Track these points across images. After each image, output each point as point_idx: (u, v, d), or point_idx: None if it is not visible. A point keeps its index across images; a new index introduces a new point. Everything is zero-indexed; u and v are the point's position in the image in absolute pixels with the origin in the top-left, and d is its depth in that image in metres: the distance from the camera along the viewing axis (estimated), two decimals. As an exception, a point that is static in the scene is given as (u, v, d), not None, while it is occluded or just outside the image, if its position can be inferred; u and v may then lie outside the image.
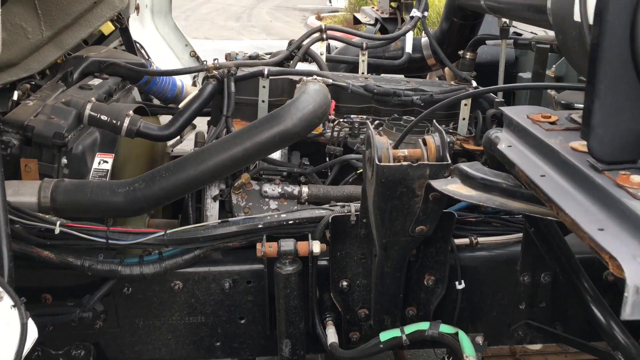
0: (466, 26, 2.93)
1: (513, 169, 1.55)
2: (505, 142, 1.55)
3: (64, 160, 2.31)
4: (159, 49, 4.40)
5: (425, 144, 1.88)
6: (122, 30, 3.54)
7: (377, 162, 1.76)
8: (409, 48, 3.13)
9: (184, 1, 22.21)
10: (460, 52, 2.81)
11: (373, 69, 3.15)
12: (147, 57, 3.99)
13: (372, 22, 3.99)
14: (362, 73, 3.07)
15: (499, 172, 1.64)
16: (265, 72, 2.51)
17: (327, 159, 2.52)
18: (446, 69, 3.28)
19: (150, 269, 2.15)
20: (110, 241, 2.11)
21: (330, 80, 2.44)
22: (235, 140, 2.13)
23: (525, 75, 3.47)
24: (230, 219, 2.21)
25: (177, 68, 2.90)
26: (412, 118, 2.41)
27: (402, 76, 2.83)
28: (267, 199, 2.36)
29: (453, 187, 1.67)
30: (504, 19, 2.36)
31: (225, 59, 3.15)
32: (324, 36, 2.98)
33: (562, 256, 2.01)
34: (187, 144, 3.39)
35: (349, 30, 3.08)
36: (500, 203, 1.54)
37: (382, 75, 2.85)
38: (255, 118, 2.62)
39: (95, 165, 2.43)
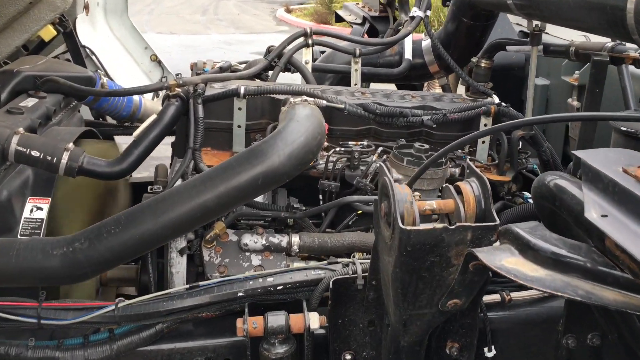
0: (477, 28, 2.48)
1: (602, 243, 1.10)
2: (593, 207, 1.09)
3: (-17, 212, 1.78)
4: (115, 53, 3.85)
5: (458, 192, 1.42)
6: (66, 35, 2.99)
7: (401, 226, 1.29)
8: (408, 53, 2.67)
9: (146, -6, 21.37)
10: (474, 60, 2.36)
11: (367, 78, 2.68)
12: (99, 66, 3.44)
13: (359, 21, 3.51)
14: (355, 84, 2.59)
15: (576, 242, 1.20)
16: (242, 92, 2.01)
17: (321, 197, 2.04)
18: (451, 76, 2.83)
19: (98, 353, 1.67)
20: (43, 321, 1.61)
21: (325, 102, 1.96)
22: (205, 184, 1.63)
23: (536, 81, 3.05)
24: (201, 283, 1.72)
25: (128, 88, 2.35)
26: (425, 146, 1.95)
27: (407, 92, 2.37)
28: (247, 253, 1.87)
29: (510, 262, 1.22)
30: (536, 22, 1.92)
31: (191, 70, 2.64)
32: (309, 41, 2.49)
33: (621, 318, 1.60)
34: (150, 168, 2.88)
35: (337, 35, 2.60)
36: (586, 292, 1.09)
37: (382, 89, 2.38)
38: (230, 146, 2.12)
39: (26, 213, 1.91)
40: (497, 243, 1.33)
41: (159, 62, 4.02)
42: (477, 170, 1.42)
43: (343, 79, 2.76)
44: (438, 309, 1.50)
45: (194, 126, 1.96)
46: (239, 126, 2.07)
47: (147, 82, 4.04)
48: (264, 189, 1.70)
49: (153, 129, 2.04)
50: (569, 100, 2.71)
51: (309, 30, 2.48)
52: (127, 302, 1.68)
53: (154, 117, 2.06)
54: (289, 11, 18.68)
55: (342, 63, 2.73)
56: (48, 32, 2.95)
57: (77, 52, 3.01)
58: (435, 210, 1.42)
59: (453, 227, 1.30)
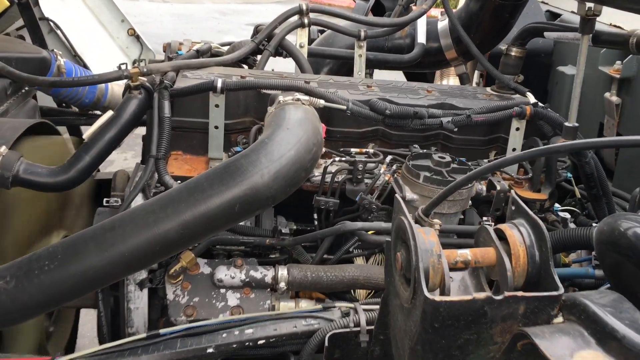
0: (505, 7, 2.07)
1: None
2: None
3: None
4: (86, 26, 3.41)
5: (501, 237, 1.06)
6: (22, 6, 2.55)
7: (427, 294, 0.93)
8: (422, 36, 2.25)
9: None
10: (503, 47, 1.96)
11: (372, 65, 2.28)
12: (65, 42, 3.01)
13: (364, -5, 3.08)
14: (359, 73, 2.18)
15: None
16: (219, 85, 1.61)
17: (316, 216, 1.66)
18: (468, 64, 2.43)
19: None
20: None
21: (322, 102, 1.56)
22: (166, 209, 1.26)
23: (565, 69, 2.65)
24: (162, 331, 1.36)
25: (77, 77, 1.90)
26: (447, 158, 1.56)
27: (421, 84, 1.96)
28: (223, 290, 1.50)
29: (584, 358, 0.85)
30: (589, 4, 1.52)
31: (164, 51, 2.23)
32: (305, 21, 2.07)
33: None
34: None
35: (338, 12, 2.18)
36: None
37: (390, 80, 1.98)
38: (205, 150, 1.74)
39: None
40: (559, 318, 0.96)
41: (138, 37, 3.58)
42: (528, 209, 1.04)
43: (344, 65, 2.36)
44: (468, 387, 1.14)
45: (158, 128, 1.57)
46: (216, 127, 1.68)
47: (123, 59, 3.62)
48: (243, 216, 1.32)
49: (109, 129, 1.64)
50: (607, 94, 2.32)
51: (304, 7, 2.06)
52: (67, 357, 1.31)
53: (109, 113, 1.66)
54: (287, -21, 17.98)
55: (343, 46, 2.32)
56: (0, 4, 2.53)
57: (35, 27, 2.58)
58: (469, 262, 1.05)
59: (500, 297, 0.93)
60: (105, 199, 1.70)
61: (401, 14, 2.83)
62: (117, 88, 2.53)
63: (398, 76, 3.21)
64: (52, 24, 2.98)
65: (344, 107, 1.61)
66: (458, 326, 0.95)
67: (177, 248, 1.33)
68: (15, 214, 1.73)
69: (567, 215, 1.77)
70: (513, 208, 1.09)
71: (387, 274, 1.16)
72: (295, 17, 2.09)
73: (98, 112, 2.51)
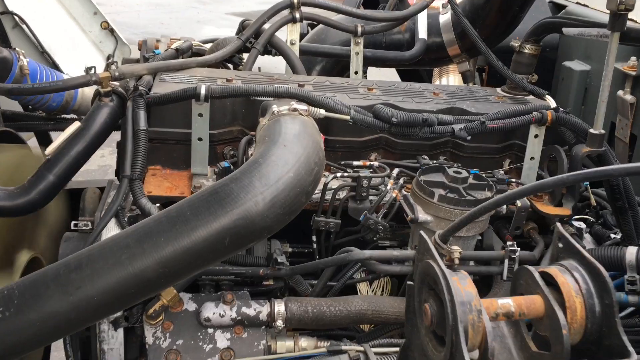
0: (515, 0, 1.89)
1: None
2: None
3: None
4: (56, 21, 3.16)
5: (550, 282, 0.89)
6: (-21, -2, 2.31)
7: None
8: (423, 31, 2.06)
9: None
10: (516, 44, 1.78)
11: (369, 63, 2.09)
12: (31, 38, 2.77)
13: (355, -15, 2.88)
14: (356, 72, 1.99)
15: None
16: (202, 92, 1.41)
17: (314, 239, 1.48)
18: (471, 60, 2.25)
19: None
20: None
21: (323, 112, 1.37)
22: (142, 244, 1.06)
23: (572, 65, 2.48)
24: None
25: (37, 85, 1.64)
26: (463, 172, 1.38)
27: (426, 86, 1.77)
28: (211, 330, 1.30)
29: None
30: (622, -3, 1.35)
31: (139, 49, 2.01)
32: (297, 15, 1.87)
33: None
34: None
35: (332, 6, 1.98)
36: None
37: (393, 82, 1.79)
38: (187, 164, 1.53)
39: None
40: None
41: (112, 31, 3.34)
42: (583, 249, 0.87)
43: (338, 62, 2.16)
44: None
45: (133, 143, 1.36)
46: (200, 139, 1.48)
47: (96, 55, 3.38)
48: (234, 250, 1.12)
49: (75, 143, 1.43)
50: (620, 92, 2.16)
51: (295, 1, 1.86)
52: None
53: (76, 125, 1.45)
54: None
55: (337, 42, 2.13)
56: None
57: (-3, 24, 2.35)
58: (513, 315, 0.87)
59: (558, 367, 0.75)
60: (73, 222, 1.49)
61: (396, 7, 2.65)
62: (88, 90, 2.29)
63: (389, 73, 3.03)
64: (16, 18, 2.73)
65: (347, 118, 1.42)
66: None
67: (156, 289, 1.14)
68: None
69: (582, 225, 1.61)
70: (561, 246, 0.92)
71: (409, 322, 0.98)
72: (286, 12, 1.88)
73: (68, 116, 2.29)
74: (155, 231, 1.08)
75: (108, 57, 3.36)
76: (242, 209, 1.07)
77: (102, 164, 5.13)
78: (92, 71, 1.49)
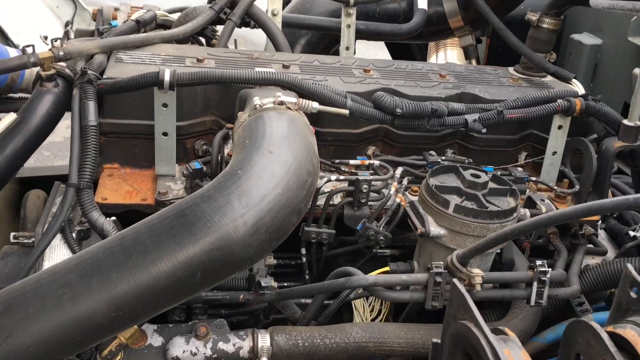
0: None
1: None
2: None
3: None
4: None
5: (621, 345, 0.68)
6: None
7: None
8: (423, 1, 1.81)
9: None
10: (533, 17, 1.53)
11: (362, 36, 1.83)
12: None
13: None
14: (347, 48, 1.73)
15: None
16: (166, 78, 1.14)
17: (304, 251, 1.25)
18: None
19: None
20: None
21: (316, 105, 1.12)
22: (89, 280, 0.84)
23: (582, 38, 2.26)
24: None
25: None
26: (482, 176, 1.16)
27: (429, 65, 1.53)
28: (182, 368, 1.08)
29: None
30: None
31: (93, 20, 1.72)
32: (279, -19, 1.60)
33: None
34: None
35: (321, -31, 1.71)
36: None
37: (392, 61, 1.55)
38: (150, 161, 1.28)
39: None
40: None
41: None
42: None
43: (325, 36, 1.90)
44: None
45: (80, 142, 1.10)
46: (165, 133, 1.22)
47: (53, 21, 3.04)
48: (206, 286, 0.90)
49: (12, 138, 1.17)
50: (637, 70, 1.96)
51: (277, -38, 1.58)
52: None
53: (11, 116, 1.18)
54: None
55: (324, 12, 1.86)
56: None
57: None
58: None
59: None
60: (13, 234, 1.24)
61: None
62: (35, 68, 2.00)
63: (376, 44, 2.75)
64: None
65: (345, 112, 1.17)
66: None
67: (108, 334, 0.91)
68: None
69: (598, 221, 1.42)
70: (634, 296, 0.71)
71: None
72: (266, -24, 1.61)
73: (16, 96, 2.00)
74: (106, 264, 0.85)
75: (66, 24, 3.02)
76: (217, 236, 0.84)
77: (68, 135, 4.78)
78: (30, 50, 1.22)
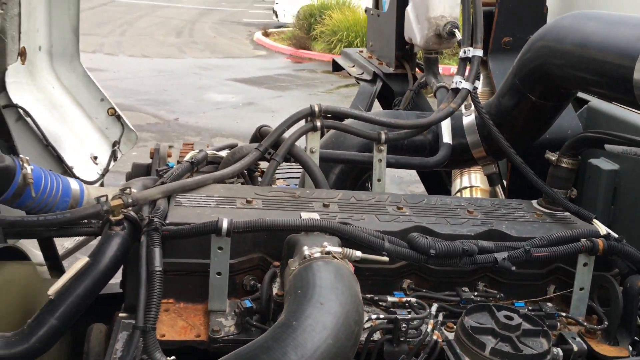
0: (545, 108, 1.80)
1: None
2: None
3: None
4: (60, 108, 3.08)
5: None
6: (-15, 97, 2.23)
7: None
8: (447, 136, 1.98)
9: (119, 14, 20.56)
10: (552, 157, 1.68)
11: (393, 167, 1.98)
12: (35, 130, 2.69)
13: (369, 77, 2.82)
14: (379, 180, 1.88)
15: None
16: (224, 227, 1.28)
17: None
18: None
19: None
20: None
21: (359, 254, 1.24)
22: None
23: (600, 163, 2.37)
24: None
25: (44, 217, 1.50)
26: (515, 318, 1.24)
27: (458, 200, 1.66)
28: None
29: None
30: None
31: (151, 158, 1.91)
32: (318, 124, 1.78)
33: None
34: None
35: (354, 113, 1.89)
36: None
37: (422, 196, 1.69)
38: (204, 296, 1.39)
39: None
40: None
41: (119, 117, 3.27)
42: None
43: (356, 166, 2.06)
44: None
45: (146, 286, 1.22)
46: (219, 273, 1.34)
47: (102, 142, 3.30)
48: None
49: (82, 281, 1.29)
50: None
51: (317, 109, 1.77)
52: None
53: (85, 260, 1.31)
54: (266, 35, 18.09)
55: (354, 145, 2.03)
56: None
57: (1, 122, 2.26)
58: None
59: None
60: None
61: (412, 101, 2.58)
62: (93, 191, 2.19)
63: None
64: (21, 111, 2.65)
65: (385, 260, 1.29)
66: None
67: None
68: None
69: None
70: None
71: None
72: (307, 122, 1.80)
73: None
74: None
75: (114, 144, 3.29)
76: (275, 386, 0.93)
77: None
78: (104, 199, 1.37)
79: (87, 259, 1.32)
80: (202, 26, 20.29)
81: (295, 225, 1.30)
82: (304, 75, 12.85)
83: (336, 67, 3.35)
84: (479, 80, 1.93)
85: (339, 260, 1.18)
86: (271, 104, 10.64)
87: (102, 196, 1.37)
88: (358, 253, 1.24)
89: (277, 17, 19.31)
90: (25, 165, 1.86)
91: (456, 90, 1.89)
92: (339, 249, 1.21)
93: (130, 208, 1.41)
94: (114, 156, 3.27)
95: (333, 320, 1.01)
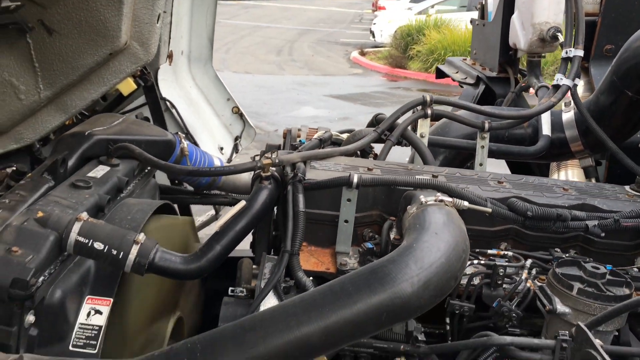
0: (642, 103, 1.98)
1: None
2: None
3: (30, 318, 1.43)
4: (195, 104, 3.57)
5: None
6: (147, 88, 2.71)
7: None
8: (547, 129, 2.18)
9: (225, 34, 21.91)
10: (645, 145, 1.85)
11: (494, 156, 2.21)
12: (178, 120, 3.16)
13: (472, 81, 3.06)
14: (481, 164, 2.12)
15: None
16: (355, 181, 1.59)
17: (448, 320, 1.56)
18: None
19: None
20: None
21: (466, 204, 1.50)
22: (309, 313, 1.21)
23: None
24: None
25: (215, 167, 1.94)
26: (601, 268, 1.44)
27: (555, 180, 1.87)
28: (354, 399, 1.41)
29: None
30: None
31: (284, 137, 2.26)
32: (428, 112, 2.05)
33: None
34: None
35: (461, 104, 2.15)
36: None
37: (521, 176, 1.90)
38: (331, 242, 1.70)
39: (82, 318, 1.55)
40: None
41: (241, 115, 3.72)
42: None
43: (459, 154, 2.30)
44: None
45: (293, 222, 1.55)
46: (346, 221, 1.65)
47: (227, 136, 3.75)
48: (388, 325, 1.25)
49: (240, 220, 1.64)
50: None
51: (428, 99, 2.05)
52: None
53: (242, 203, 1.67)
54: (363, 54, 18.55)
55: (460, 135, 2.28)
56: (128, 86, 2.69)
57: (157, 108, 2.72)
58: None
59: None
60: (230, 288, 1.68)
61: (514, 102, 2.78)
62: (230, 169, 2.59)
63: (502, 165, 3.10)
64: (168, 103, 3.14)
65: (488, 210, 1.54)
66: None
67: (317, 353, 1.27)
68: (137, 297, 1.74)
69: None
70: None
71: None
72: (419, 109, 2.07)
73: (211, 193, 2.57)
74: (321, 302, 1.23)
75: (235, 139, 3.74)
76: (399, 289, 1.20)
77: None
78: (257, 159, 1.73)
79: (244, 202, 1.67)
80: (301, 45, 21.14)
81: (413, 182, 1.58)
82: (398, 93, 13.12)
83: (439, 75, 3.60)
84: (579, 78, 2.11)
85: (449, 207, 1.44)
86: (365, 119, 10.90)
87: (256, 156, 1.72)
88: (465, 203, 1.49)
89: (374, 37, 19.75)
90: (183, 140, 2.29)
91: (557, 87, 2.10)
92: (450, 199, 1.47)
93: (275, 168, 1.76)
94: (236, 149, 3.71)
95: (446, 245, 1.27)
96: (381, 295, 1.20)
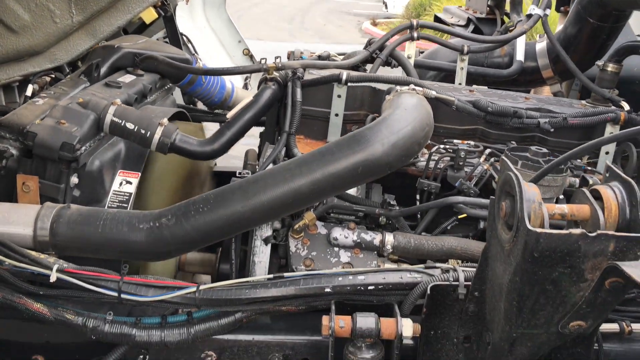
0: (603, 30, 2.24)
1: None
2: None
3: (74, 180, 1.76)
4: (209, 44, 3.86)
5: (596, 197, 1.23)
6: (167, 19, 2.99)
7: (529, 227, 1.12)
8: (520, 55, 2.45)
9: (238, 0, 21.98)
10: (600, 63, 2.12)
11: (472, 79, 2.49)
12: (193, 53, 3.45)
13: (463, 23, 3.32)
14: (460, 84, 2.41)
15: None
16: (344, 77, 1.89)
17: (418, 197, 1.87)
18: (564, 85, 2.59)
19: (175, 335, 1.59)
20: (123, 295, 1.55)
21: (434, 92, 1.80)
22: (301, 168, 1.52)
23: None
24: (285, 275, 1.60)
25: (227, 67, 2.30)
26: (543, 150, 1.74)
27: (520, 93, 2.16)
28: (336, 248, 1.74)
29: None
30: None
31: (288, 58, 2.55)
32: (415, 35, 2.33)
33: None
34: (235, 158, 2.83)
35: (444, 28, 2.43)
36: None
37: (491, 89, 2.19)
38: (324, 136, 2.01)
39: (115, 186, 1.87)
40: (646, 260, 1.12)
41: (251, 57, 4.00)
42: (621, 173, 1.22)
43: (445, 78, 2.59)
44: (557, 329, 1.30)
45: (291, 109, 1.86)
46: (337, 114, 1.95)
47: (237, 75, 4.05)
48: (363, 178, 1.56)
49: (247, 111, 1.95)
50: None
51: (415, 23, 2.33)
52: (209, 285, 1.59)
53: (249, 99, 1.98)
54: (374, 24, 18.60)
55: (445, 60, 2.56)
56: (150, 15, 2.96)
57: (176, 37, 3.01)
58: (566, 215, 1.22)
59: (593, 234, 1.10)
60: (237, 172, 2.00)
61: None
62: (240, 92, 2.89)
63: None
64: (184, 38, 3.43)
65: (452, 100, 1.83)
66: (554, 257, 1.13)
67: (306, 202, 1.58)
68: (158, 180, 2.07)
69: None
70: (607, 175, 1.26)
71: (490, 227, 1.35)
72: (406, 32, 2.36)
73: (221, 112, 2.88)
74: (310, 160, 1.54)
75: (245, 78, 4.03)
76: (372, 148, 1.51)
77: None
78: (263, 61, 2.03)
79: (251, 97, 1.98)
80: (313, 14, 21.18)
81: (394, 79, 1.88)
82: (407, 61, 13.29)
83: (437, 21, 3.86)
84: (549, 8, 2.38)
85: (419, 95, 1.74)
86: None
87: (263, 58, 2.03)
88: (433, 92, 1.79)
89: (386, 8, 19.75)
90: (199, 60, 2.59)
91: (529, 16, 2.37)
92: (420, 88, 1.77)
93: (278, 73, 2.06)
94: (245, 88, 4.00)
95: (412, 117, 1.57)
96: (358, 153, 1.51)
